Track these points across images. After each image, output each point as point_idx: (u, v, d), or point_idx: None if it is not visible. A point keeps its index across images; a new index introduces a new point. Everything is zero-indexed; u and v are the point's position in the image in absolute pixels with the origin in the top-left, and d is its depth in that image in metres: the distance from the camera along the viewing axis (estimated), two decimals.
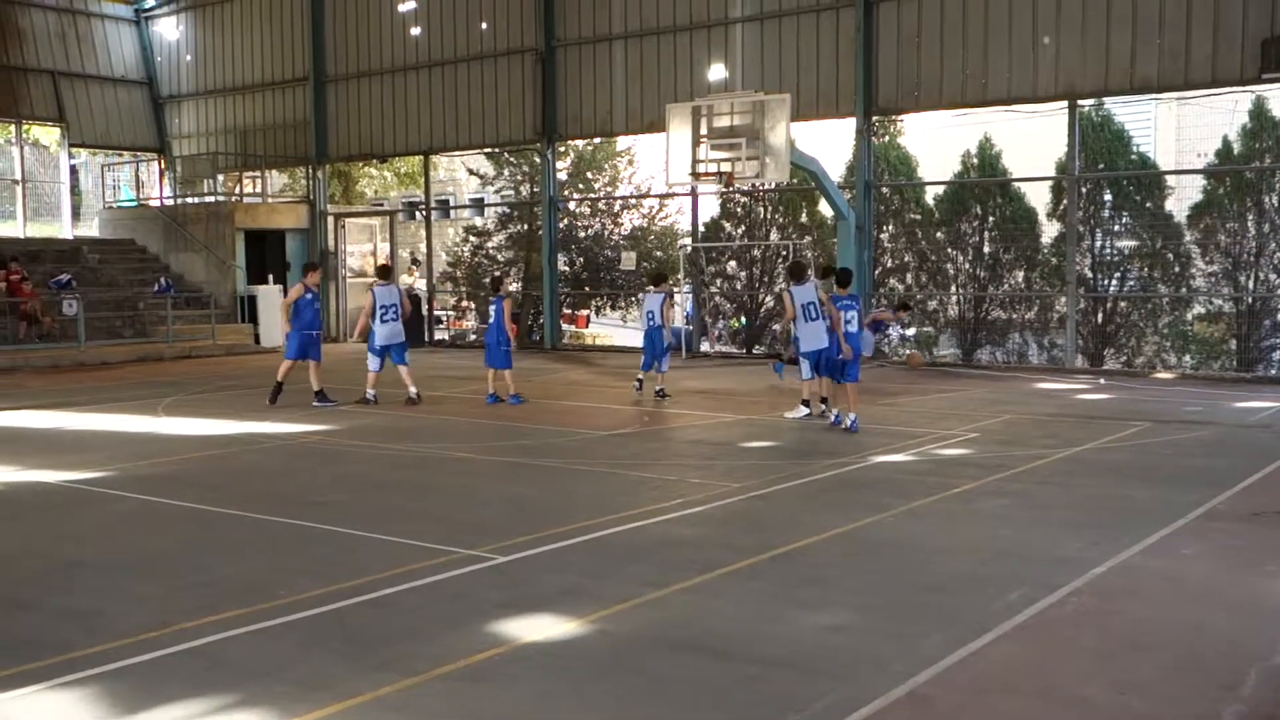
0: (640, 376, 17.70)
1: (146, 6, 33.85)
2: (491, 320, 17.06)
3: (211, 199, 31.22)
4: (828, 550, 8.16)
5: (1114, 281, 22.25)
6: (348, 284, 30.89)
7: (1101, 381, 18.70)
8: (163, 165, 34.28)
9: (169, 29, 33.72)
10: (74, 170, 35.65)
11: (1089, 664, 5.82)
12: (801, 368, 14.97)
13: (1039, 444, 12.64)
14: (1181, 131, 32.67)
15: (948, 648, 5.97)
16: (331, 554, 8.14)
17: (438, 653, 5.96)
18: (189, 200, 31.66)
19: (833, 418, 14.38)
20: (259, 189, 32.54)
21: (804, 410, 14.87)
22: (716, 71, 24.15)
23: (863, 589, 7.20)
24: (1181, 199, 22.28)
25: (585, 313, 33.36)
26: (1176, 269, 21.74)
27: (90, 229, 33.94)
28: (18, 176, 31.56)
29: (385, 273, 17.50)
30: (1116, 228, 22.46)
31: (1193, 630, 6.36)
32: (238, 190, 32.14)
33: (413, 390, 16.66)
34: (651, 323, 17.32)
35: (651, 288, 18.03)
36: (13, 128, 31.93)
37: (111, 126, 33.39)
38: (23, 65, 31.19)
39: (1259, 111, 20.80)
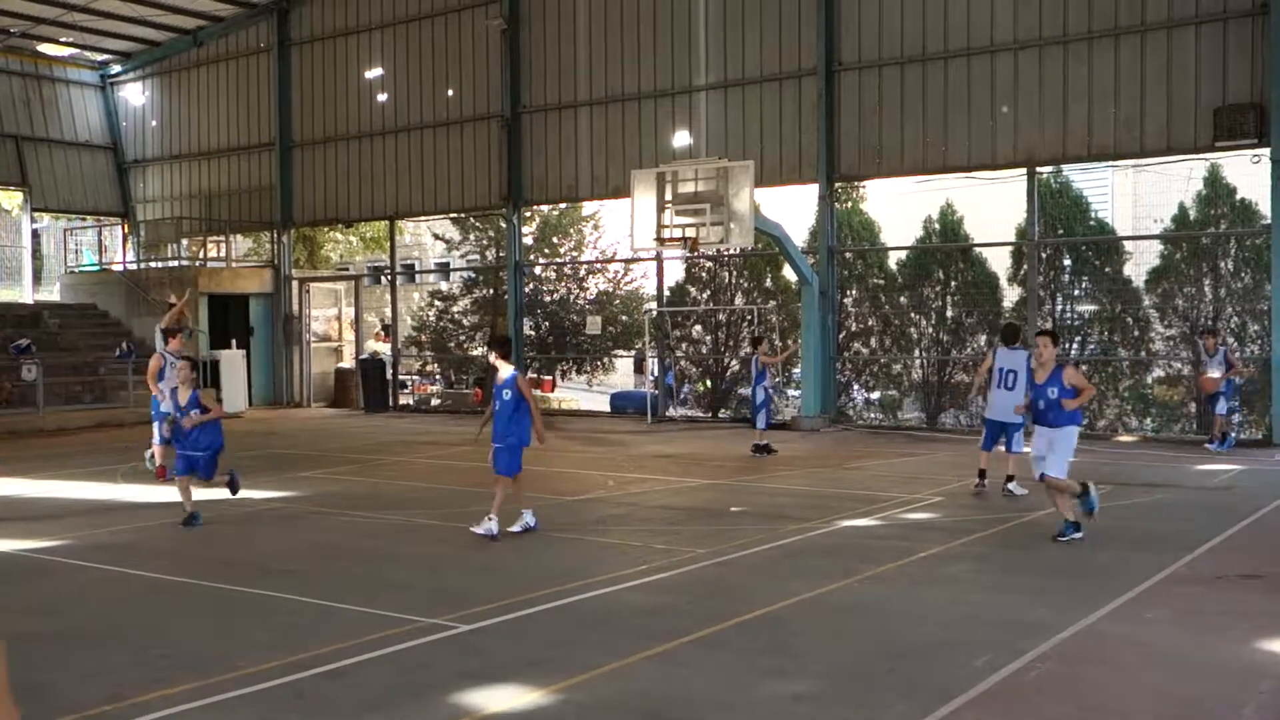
0: (758, 440, 18.23)
1: (112, 72, 33.89)
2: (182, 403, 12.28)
3: (175, 263, 31.10)
4: (793, 617, 8.12)
5: (1075, 345, 22.47)
6: (312, 349, 30.77)
7: None
8: (126, 229, 34.16)
9: (135, 94, 33.76)
10: (36, 234, 35.40)
11: None
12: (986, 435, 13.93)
13: (1004, 508, 12.67)
14: (1138, 198, 33.14)
15: (913, 716, 5.94)
16: (291, 624, 8.02)
17: None
18: (153, 264, 31.53)
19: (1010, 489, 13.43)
20: (223, 253, 32.44)
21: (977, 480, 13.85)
22: (681, 138, 24.39)
23: (828, 656, 7.16)
24: (1139, 264, 22.53)
25: (550, 377, 33.33)
26: (1136, 333, 21.99)
27: (52, 293, 33.67)
28: None
29: (172, 335, 15.77)
30: (1076, 292, 22.71)
31: (1158, 695, 6.35)
32: (202, 254, 32.04)
33: (150, 454, 15.80)
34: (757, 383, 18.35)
35: (751, 350, 18.74)
36: None
37: (75, 191, 33.27)
38: None
39: (1213, 179, 21.16)
